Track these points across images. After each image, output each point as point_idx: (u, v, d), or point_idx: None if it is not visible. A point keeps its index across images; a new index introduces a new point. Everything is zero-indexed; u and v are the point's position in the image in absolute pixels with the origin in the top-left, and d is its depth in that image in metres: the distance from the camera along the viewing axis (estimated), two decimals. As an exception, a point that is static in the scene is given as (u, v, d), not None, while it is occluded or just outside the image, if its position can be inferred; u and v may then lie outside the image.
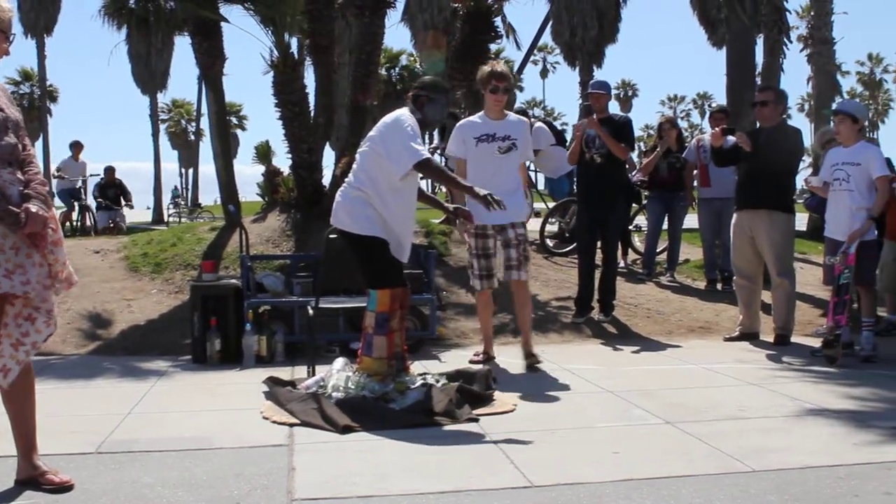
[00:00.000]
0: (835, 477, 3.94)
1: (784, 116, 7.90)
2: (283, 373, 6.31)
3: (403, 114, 5.53)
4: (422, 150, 5.34)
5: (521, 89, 65.70)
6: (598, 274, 8.59)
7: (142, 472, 4.10)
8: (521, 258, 6.69)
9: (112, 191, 17.63)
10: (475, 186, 5.53)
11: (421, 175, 5.70)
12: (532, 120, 13.14)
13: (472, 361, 6.77)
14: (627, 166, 10.81)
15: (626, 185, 8.98)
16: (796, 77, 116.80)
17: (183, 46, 41.23)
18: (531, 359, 6.66)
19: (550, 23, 32.71)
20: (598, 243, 8.63)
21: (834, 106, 7.58)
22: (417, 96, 5.66)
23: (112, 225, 17.21)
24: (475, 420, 5.03)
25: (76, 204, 16.95)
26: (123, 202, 17.81)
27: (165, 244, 9.69)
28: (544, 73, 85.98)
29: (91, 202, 17.28)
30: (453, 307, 8.44)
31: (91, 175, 17.43)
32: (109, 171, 17.87)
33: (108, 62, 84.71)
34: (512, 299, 7.06)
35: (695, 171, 10.08)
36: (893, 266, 8.16)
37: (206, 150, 59.08)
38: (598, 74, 29.95)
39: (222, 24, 10.83)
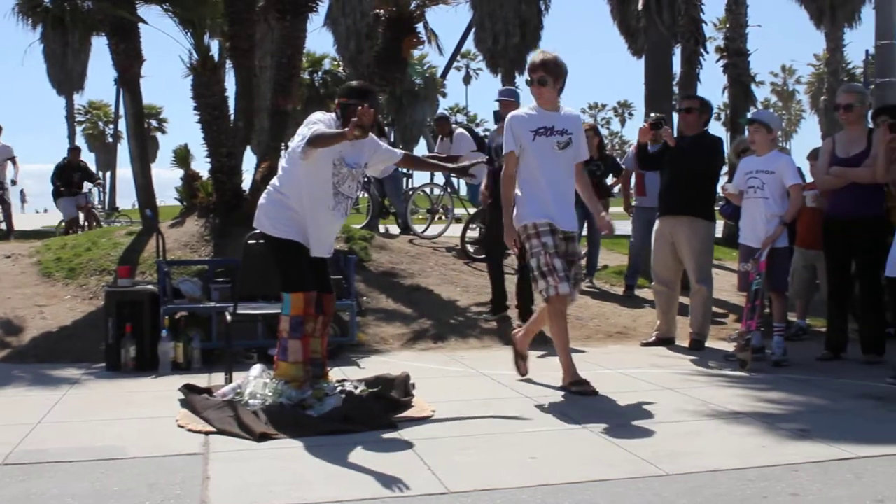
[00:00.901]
0: (745, 479, 4.02)
1: (706, 127, 8.05)
2: (200, 380, 6.21)
3: (314, 114, 5.48)
4: (314, 130, 5.18)
5: (445, 95, 65.87)
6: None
7: (50, 484, 3.99)
8: (580, 276, 6.31)
9: (77, 174, 15.93)
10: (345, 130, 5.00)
11: (351, 173, 5.62)
12: (454, 126, 13.23)
13: (587, 393, 5.87)
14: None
15: None
16: (713, 87, 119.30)
17: (100, 47, 40.50)
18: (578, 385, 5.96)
19: (473, 30, 32.96)
20: None
21: (749, 115, 7.76)
22: (346, 105, 5.47)
23: (83, 213, 15.73)
24: (393, 426, 5.02)
25: None
26: (88, 186, 16.06)
27: (80, 249, 9.47)
28: (467, 80, 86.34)
29: (48, 191, 15.67)
30: (373, 313, 8.42)
31: (11, 158, 15.47)
32: (73, 151, 16.33)
33: (23, 62, 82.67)
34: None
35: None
36: (804, 272, 8.40)
37: (124, 152, 58.06)
38: (521, 81, 30.17)
39: (141, 25, 10.66)
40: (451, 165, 6.58)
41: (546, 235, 5.88)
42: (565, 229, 6.00)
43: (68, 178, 15.81)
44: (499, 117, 8.38)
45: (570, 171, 6.11)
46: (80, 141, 53.73)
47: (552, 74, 6.01)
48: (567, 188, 6.09)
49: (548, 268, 5.85)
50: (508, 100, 8.46)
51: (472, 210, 12.02)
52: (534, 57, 6.12)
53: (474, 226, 11.65)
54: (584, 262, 10.65)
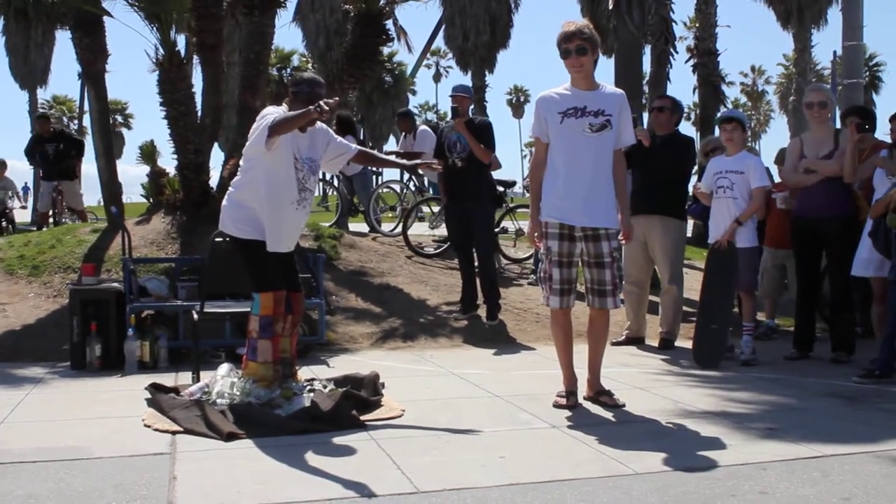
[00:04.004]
0: (713, 478, 4.03)
1: (677, 127, 8.07)
2: (167, 379, 6.15)
3: (266, 109, 5.43)
4: (273, 118, 5.10)
5: (414, 93, 65.83)
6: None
7: (13, 485, 3.92)
8: (616, 280, 5.48)
9: (52, 146, 13.02)
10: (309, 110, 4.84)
11: (315, 167, 5.56)
12: (418, 123, 13.21)
13: (556, 405, 5.53)
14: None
15: (491, 186, 9.03)
16: (683, 86, 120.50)
17: (64, 40, 40.05)
18: (604, 396, 5.63)
19: (443, 27, 33.01)
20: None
21: (727, 114, 7.75)
22: (297, 93, 5.44)
23: (55, 211, 13.38)
24: (362, 426, 4.99)
25: None
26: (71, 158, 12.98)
27: (44, 246, 9.35)
28: (437, 78, 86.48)
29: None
30: (342, 311, 8.37)
31: None
32: (39, 120, 13.65)
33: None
34: (586, 327, 5.92)
35: None
36: (773, 272, 8.46)
37: (89, 148, 57.38)
38: (490, 79, 30.31)
39: (106, 18, 10.54)
40: (403, 162, 6.59)
41: (553, 238, 5.42)
42: (586, 225, 5.37)
43: (42, 152, 13.27)
44: (456, 114, 8.39)
45: (605, 157, 5.39)
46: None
47: (590, 43, 5.32)
48: (598, 177, 5.35)
49: (545, 275, 5.54)
50: (463, 95, 8.49)
51: (436, 208, 11.92)
52: (564, 28, 5.35)
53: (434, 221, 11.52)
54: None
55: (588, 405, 5.57)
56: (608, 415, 5.36)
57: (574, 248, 5.44)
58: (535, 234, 5.58)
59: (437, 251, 10.80)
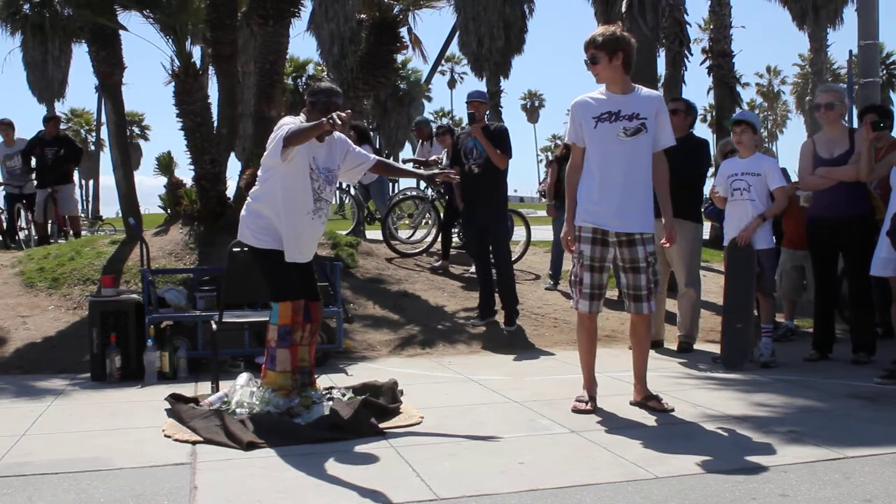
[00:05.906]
0: (734, 481, 4.01)
1: (692, 129, 8.06)
2: (187, 389, 6.18)
3: (283, 119, 5.45)
4: (288, 129, 5.11)
5: (430, 99, 65.89)
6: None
7: (35, 497, 3.95)
8: (651, 285, 5.49)
9: (52, 150, 12.47)
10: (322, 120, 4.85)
11: (327, 179, 5.57)
12: (434, 130, 13.22)
13: (575, 410, 5.51)
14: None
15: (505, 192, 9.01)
16: (698, 89, 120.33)
17: (81, 54, 40.41)
18: (652, 401, 5.59)
19: (458, 33, 33.10)
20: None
21: (737, 116, 7.71)
22: (315, 103, 5.48)
23: (50, 222, 12.64)
24: (381, 433, 4.99)
25: None
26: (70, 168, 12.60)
27: (63, 258, 9.41)
28: (452, 84, 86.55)
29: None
30: (360, 319, 8.39)
31: None
32: (49, 122, 12.89)
33: (2, 69, 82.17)
34: (629, 334, 5.89)
35: None
36: (792, 273, 8.42)
37: (106, 160, 57.87)
38: (505, 85, 30.32)
39: (122, 31, 10.61)
40: (421, 172, 6.61)
41: (585, 243, 5.45)
42: (620, 230, 5.39)
43: (40, 156, 12.60)
44: (473, 120, 8.40)
45: (639, 161, 5.38)
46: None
47: (605, 49, 5.36)
48: (632, 182, 5.36)
49: (576, 278, 5.56)
50: (479, 101, 8.52)
51: (421, 206, 11.94)
52: (588, 37, 5.43)
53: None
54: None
55: (609, 409, 5.55)
56: (627, 419, 5.34)
57: (606, 252, 5.47)
58: (569, 239, 5.58)
59: (416, 251, 10.87)
